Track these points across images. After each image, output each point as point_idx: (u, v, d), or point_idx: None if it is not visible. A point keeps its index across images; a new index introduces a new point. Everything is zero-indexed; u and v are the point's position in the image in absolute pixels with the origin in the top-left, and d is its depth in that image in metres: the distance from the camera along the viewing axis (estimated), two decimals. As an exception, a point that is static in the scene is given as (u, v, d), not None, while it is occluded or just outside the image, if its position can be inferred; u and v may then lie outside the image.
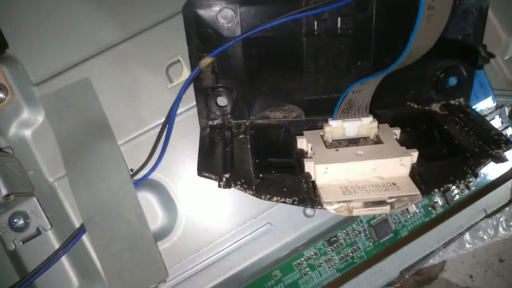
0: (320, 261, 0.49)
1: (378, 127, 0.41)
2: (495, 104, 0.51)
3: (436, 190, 0.38)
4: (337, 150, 0.40)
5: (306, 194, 0.37)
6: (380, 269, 0.49)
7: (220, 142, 0.43)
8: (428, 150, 0.40)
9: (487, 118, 0.50)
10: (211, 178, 0.39)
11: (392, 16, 0.42)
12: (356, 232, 0.49)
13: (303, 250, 0.48)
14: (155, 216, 0.46)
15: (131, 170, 0.45)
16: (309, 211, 0.47)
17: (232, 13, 0.41)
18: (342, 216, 0.48)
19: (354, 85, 0.39)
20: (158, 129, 0.45)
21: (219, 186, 0.38)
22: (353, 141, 0.41)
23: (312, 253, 0.48)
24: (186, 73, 0.46)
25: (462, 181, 0.39)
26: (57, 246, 0.44)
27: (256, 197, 0.38)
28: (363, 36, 0.43)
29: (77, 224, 0.45)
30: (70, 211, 0.45)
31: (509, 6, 0.51)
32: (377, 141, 0.41)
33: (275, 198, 0.37)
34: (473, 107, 0.48)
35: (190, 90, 0.45)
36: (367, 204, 0.36)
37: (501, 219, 0.67)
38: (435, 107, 0.47)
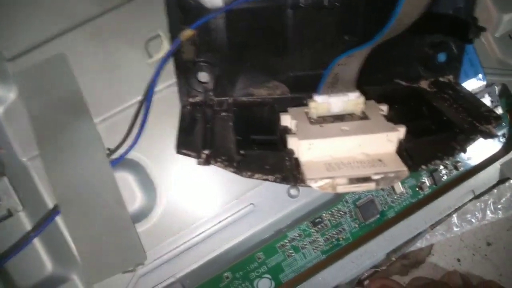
0: (305, 243, 0.47)
1: (364, 103, 0.40)
2: (485, 82, 0.50)
3: (423, 166, 0.37)
4: (321, 126, 0.38)
5: (289, 171, 0.36)
6: (366, 251, 0.48)
7: (201, 119, 0.41)
8: (416, 126, 0.39)
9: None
10: (190, 156, 0.38)
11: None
12: (342, 213, 0.48)
13: (287, 231, 0.47)
14: (133, 197, 0.44)
15: (108, 149, 0.43)
16: (293, 191, 0.46)
17: (214, -17, 0.39)
18: (327, 196, 0.47)
19: (340, 58, 0.37)
20: (136, 107, 0.43)
21: (198, 163, 0.36)
22: (339, 118, 0.40)
23: (296, 235, 0.47)
24: (166, 48, 0.44)
25: (450, 157, 0.38)
26: (29, 228, 0.42)
27: (237, 174, 0.36)
28: (351, 9, 0.41)
29: (51, 205, 0.43)
30: (44, 191, 0.43)
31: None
32: (363, 117, 0.39)
33: (256, 176, 0.36)
34: (462, 85, 0.47)
35: (171, 66, 0.43)
36: (352, 180, 0.34)
37: (489, 202, 0.66)
38: (424, 84, 0.46)
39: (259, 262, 0.47)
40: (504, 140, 0.52)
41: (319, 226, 0.47)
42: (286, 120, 0.40)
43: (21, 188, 0.42)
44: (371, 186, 0.34)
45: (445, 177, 0.51)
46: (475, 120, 0.38)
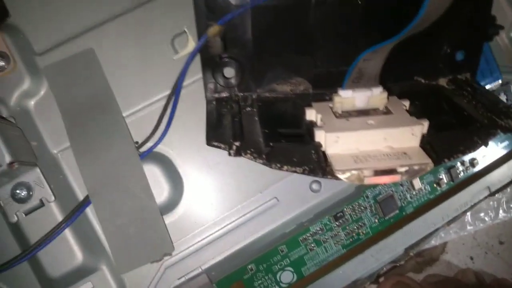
0: (326, 237, 0.48)
1: (387, 98, 0.41)
2: (500, 81, 0.51)
3: (446, 159, 0.38)
4: (347, 120, 0.39)
5: (317, 163, 0.37)
6: (385, 245, 0.49)
7: (227, 113, 0.42)
8: (437, 121, 0.40)
9: (493, 95, 0.50)
10: (220, 147, 0.39)
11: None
12: (362, 208, 0.49)
13: (309, 225, 0.48)
14: (161, 189, 0.45)
15: (136, 142, 0.44)
16: (315, 186, 0.46)
17: (241, -21, 0.40)
18: (348, 191, 0.48)
19: (365, 53, 0.38)
20: (163, 101, 0.44)
21: (229, 154, 0.37)
22: (363, 112, 0.41)
23: (318, 229, 0.48)
24: (191, 45, 0.45)
25: (472, 151, 0.39)
26: (60, 218, 0.43)
27: (266, 165, 0.37)
28: (374, 5, 0.42)
29: (81, 197, 0.44)
30: (74, 183, 0.44)
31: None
32: (387, 111, 0.40)
33: (285, 167, 0.37)
34: (479, 83, 0.48)
35: (197, 63, 0.44)
36: (378, 172, 0.35)
37: (502, 200, 0.67)
38: (442, 81, 0.47)
39: (282, 255, 0.48)
40: (520, 138, 0.53)
41: (340, 221, 0.48)
42: (312, 114, 0.41)
43: (52, 179, 0.43)
44: (396, 178, 0.35)
45: (462, 173, 0.52)
46: (494, 115, 0.40)
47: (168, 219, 0.45)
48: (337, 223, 0.48)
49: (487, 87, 0.51)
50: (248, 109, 0.44)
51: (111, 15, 0.45)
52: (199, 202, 0.46)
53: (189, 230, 0.45)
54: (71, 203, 0.43)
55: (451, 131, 0.40)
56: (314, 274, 0.48)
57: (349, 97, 0.41)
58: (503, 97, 0.52)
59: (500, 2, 0.51)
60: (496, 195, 0.66)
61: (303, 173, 0.37)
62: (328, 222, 0.48)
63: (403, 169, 0.35)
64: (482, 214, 0.67)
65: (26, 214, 0.42)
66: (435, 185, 0.51)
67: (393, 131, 0.37)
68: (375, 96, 0.41)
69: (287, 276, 0.48)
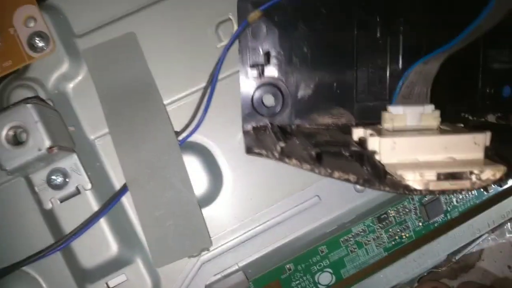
0: (368, 239, 0.46)
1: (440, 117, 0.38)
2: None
3: None
4: (402, 132, 0.36)
5: (372, 173, 0.33)
6: (428, 250, 0.47)
7: (267, 136, 0.40)
8: (498, 137, 0.37)
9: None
10: (262, 155, 0.36)
11: (446, 17, 0.40)
12: (407, 210, 0.47)
13: (351, 226, 0.46)
14: (200, 181, 0.44)
15: (176, 132, 0.43)
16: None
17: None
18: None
19: (416, 64, 0.36)
20: (203, 91, 0.43)
21: (274, 156, 0.34)
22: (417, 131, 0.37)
23: (361, 230, 0.46)
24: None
25: None
26: (95, 207, 0.41)
27: (314, 170, 0.33)
28: (415, 35, 0.41)
29: (117, 186, 0.43)
30: (111, 171, 0.43)
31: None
32: (443, 130, 0.38)
33: (336, 174, 0.33)
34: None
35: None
36: (445, 177, 0.32)
37: (544, 208, 0.64)
38: (491, 118, 0.44)
39: (322, 256, 0.46)
40: None
41: (384, 223, 0.46)
42: (359, 132, 0.38)
43: (88, 166, 0.42)
44: (465, 184, 0.32)
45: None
46: None
47: (206, 212, 0.43)
48: (380, 225, 0.46)
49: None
50: (288, 136, 0.41)
51: (155, -1, 0.43)
52: (238, 196, 0.44)
53: (227, 225, 0.44)
54: (107, 192, 0.42)
55: None
56: (353, 277, 0.47)
57: (400, 114, 0.38)
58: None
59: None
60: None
61: (356, 182, 0.33)
62: (371, 224, 0.46)
63: (472, 174, 0.32)
64: (522, 222, 0.65)
65: (61, 201, 0.41)
66: (482, 190, 0.49)
67: (454, 138, 0.34)
68: (428, 114, 0.37)
69: (325, 278, 0.46)
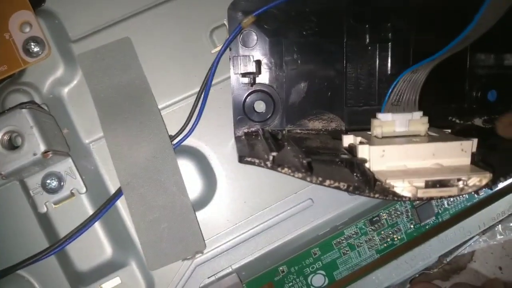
0: (360, 241, 0.47)
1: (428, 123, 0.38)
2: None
3: (502, 178, 0.35)
4: (391, 139, 0.37)
5: (362, 180, 0.34)
6: (420, 252, 0.48)
7: (259, 143, 0.40)
8: (485, 143, 0.37)
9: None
10: (254, 164, 0.35)
11: (433, 24, 0.42)
12: (399, 213, 0.47)
13: (344, 228, 0.46)
14: (195, 185, 0.44)
15: (170, 136, 0.43)
16: (352, 188, 0.45)
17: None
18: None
19: (405, 72, 0.37)
20: (197, 95, 0.43)
21: (266, 166, 0.34)
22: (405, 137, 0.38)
23: (353, 232, 0.46)
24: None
25: None
26: (90, 211, 0.42)
27: (306, 179, 0.33)
28: (404, 43, 0.42)
29: (112, 189, 0.43)
30: (105, 175, 0.43)
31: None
32: (430, 136, 0.38)
33: (327, 182, 0.33)
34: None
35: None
36: (433, 184, 0.32)
37: (535, 210, 0.65)
38: (478, 121, 0.45)
39: (315, 258, 0.46)
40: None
41: (376, 225, 0.47)
42: (349, 139, 0.38)
43: (83, 170, 0.42)
44: (453, 191, 0.32)
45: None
46: None
47: (200, 215, 0.44)
48: (372, 228, 0.47)
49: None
50: (280, 142, 0.41)
51: (149, 4, 0.44)
52: (232, 199, 0.44)
53: (221, 228, 0.44)
54: (102, 196, 0.42)
55: (502, 152, 0.38)
56: (346, 279, 0.47)
57: (388, 120, 0.38)
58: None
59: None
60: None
61: (347, 189, 0.33)
62: (363, 226, 0.47)
63: (459, 182, 0.32)
64: (513, 224, 0.65)
65: (55, 204, 0.41)
66: (473, 193, 0.49)
67: (442, 145, 0.35)
68: (416, 120, 0.38)
69: (318, 280, 0.47)
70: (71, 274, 0.42)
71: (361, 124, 0.42)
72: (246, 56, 0.40)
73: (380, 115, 0.38)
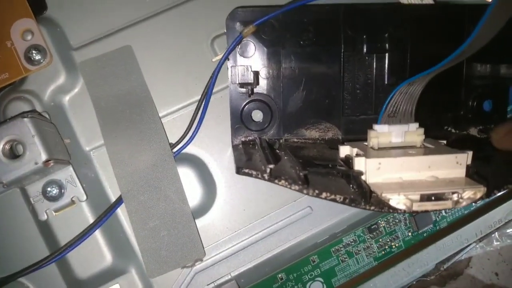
0: (359, 249, 0.47)
1: (424, 134, 0.39)
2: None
3: (496, 191, 0.35)
4: (387, 151, 0.37)
5: (358, 192, 0.34)
6: (417, 259, 0.48)
7: (256, 152, 0.40)
8: (480, 155, 0.37)
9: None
10: (251, 175, 0.36)
11: (430, 35, 0.42)
12: (397, 220, 0.48)
13: (342, 236, 0.47)
14: (194, 192, 0.44)
15: (170, 144, 0.43)
16: (351, 196, 0.45)
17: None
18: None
19: (402, 85, 0.37)
20: (198, 103, 0.43)
21: (263, 178, 0.34)
22: (401, 148, 0.38)
23: (351, 240, 0.47)
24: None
25: None
26: (90, 218, 0.42)
27: (303, 191, 0.33)
28: (400, 53, 0.42)
29: (112, 196, 0.43)
30: (106, 182, 0.43)
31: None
32: (426, 148, 0.38)
33: (324, 194, 0.33)
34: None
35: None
36: (428, 198, 0.32)
37: (531, 217, 0.66)
38: (473, 131, 0.46)
39: (313, 265, 0.46)
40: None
41: (374, 233, 0.47)
42: (346, 149, 0.39)
43: (83, 178, 0.42)
44: (447, 204, 0.33)
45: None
46: None
47: (200, 223, 0.44)
48: (370, 235, 0.47)
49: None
50: (277, 152, 0.42)
51: (150, 12, 0.44)
52: (232, 207, 0.45)
53: (220, 236, 0.44)
54: (102, 203, 0.42)
55: (496, 163, 0.39)
56: (344, 286, 0.47)
57: (385, 132, 0.38)
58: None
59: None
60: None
61: (343, 202, 0.33)
62: (361, 234, 0.47)
63: (453, 195, 0.33)
64: (509, 230, 0.66)
65: (56, 212, 0.41)
66: (470, 201, 0.50)
67: (438, 158, 0.35)
68: (412, 132, 0.38)
69: (316, 287, 0.47)
70: (71, 281, 0.42)
71: (358, 133, 0.43)
72: (244, 66, 0.41)
73: (376, 127, 0.38)
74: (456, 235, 0.49)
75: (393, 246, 0.48)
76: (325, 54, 0.42)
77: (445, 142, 0.39)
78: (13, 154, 0.38)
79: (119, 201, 0.42)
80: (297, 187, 0.33)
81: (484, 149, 0.41)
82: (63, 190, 0.41)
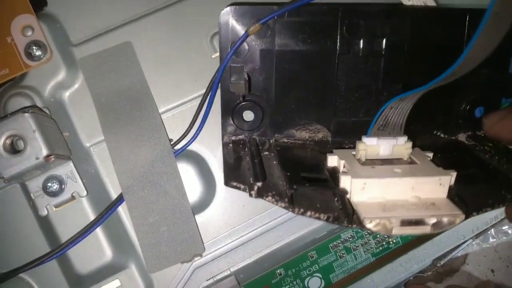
0: (357, 245, 0.47)
1: (412, 148, 0.39)
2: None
3: (475, 213, 0.36)
4: (372, 167, 0.38)
5: (342, 211, 0.34)
6: (414, 255, 0.49)
7: (245, 155, 0.41)
8: (463, 174, 0.37)
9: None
10: (239, 189, 0.37)
11: (428, 41, 0.42)
12: (394, 217, 0.48)
13: (340, 232, 0.47)
14: (194, 188, 0.45)
15: (171, 140, 0.43)
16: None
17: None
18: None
19: (393, 100, 0.37)
20: (199, 100, 0.43)
21: (250, 195, 0.35)
22: (387, 162, 0.38)
23: (349, 236, 0.47)
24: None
25: (500, 205, 0.37)
26: (91, 214, 0.42)
27: (289, 210, 0.34)
28: (396, 58, 0.42)
29: (112, 192, 0.43)
30: (106, 178, 0.44)
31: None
32: (412, 162, 0.38)
33: (308, 213, 0.34)
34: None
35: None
36: (408, 223, 0.33)
37: (527, 214, 0.66)
38: (462, 137, 0.46)
39: (311, 261, 0.47)
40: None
41: (372, 229, 0.47)
42: (334, 160, 0.39)
43: (84, 173, 0.42)
44: (426, 229, 0.33)
45: (494, 187, 0.51)
46: None
47: (200, 218, 0.44)
48: (368, 231, 0.48)
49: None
50: (266, 153, 0.42)
51: (150, 9, 0.44)
52: (231, 203, 0.45)
53: (219, 231, 0.45)
54: (103, 199, 0.43)
55: (479, 184, 0.39)
56: (342, 281, 0.48)
57: (373, 145, 0.38)
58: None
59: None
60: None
61: (327, 220, 0.34)
62: (359, 230, 0.47)
63: (432, 221, 0.33)
64: (505, 227, 0.66)
65: (56, 207, 0.42)
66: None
67: (421, 180, 0.35)
68: (400, 145, 0.39)
69: (315, 282, 0.47)
70: (71, 276, 0.42)
71: (347, 136, 0.43)
72: (236, 66, 0.40)
73: (365, 139, 0.38)
74: (452, 231, 0.50)
75: (391, 242, 0.48)
76: (320, 56, 0.41)
77: (431, 156, 0.39)
78: (14, 149, 0.38)
79: (120, 198, 0.42)
80: (283, 205, 0.35)
81: (469, 168, 0.41)
82: (63, 186, 0.41)
